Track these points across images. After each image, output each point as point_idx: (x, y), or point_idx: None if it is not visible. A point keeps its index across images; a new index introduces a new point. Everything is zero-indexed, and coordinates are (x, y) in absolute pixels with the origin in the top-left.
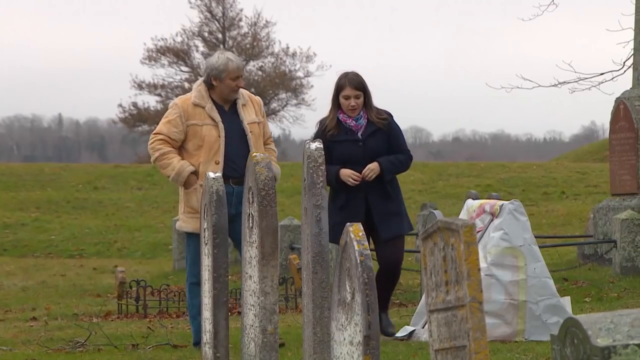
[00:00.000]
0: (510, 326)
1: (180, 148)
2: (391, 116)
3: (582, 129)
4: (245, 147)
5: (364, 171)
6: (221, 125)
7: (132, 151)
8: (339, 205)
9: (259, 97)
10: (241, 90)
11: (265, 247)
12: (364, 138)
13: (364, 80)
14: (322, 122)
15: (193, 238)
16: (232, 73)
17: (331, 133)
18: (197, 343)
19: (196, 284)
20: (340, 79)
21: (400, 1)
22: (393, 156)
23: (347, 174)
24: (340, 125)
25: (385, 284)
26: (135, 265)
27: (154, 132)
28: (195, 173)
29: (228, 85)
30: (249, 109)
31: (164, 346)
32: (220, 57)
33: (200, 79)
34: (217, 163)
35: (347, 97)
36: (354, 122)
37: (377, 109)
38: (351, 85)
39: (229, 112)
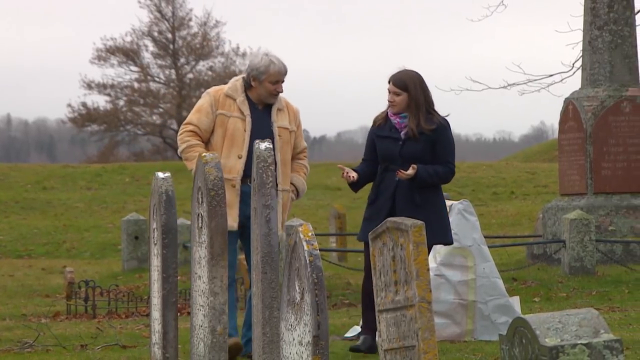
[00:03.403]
0: (459, 326)
1: (207, 142)
2: (445, 127)
3: (531, 129)
4: (272, 151)
5: (400, 170)
6: (249, 119)
7: (82, 151)
8: (370, 199)
9: (297, 107)
10: (280, 95)
11: (215, 247)
12: (405, 138)
13: (411, 81)
14: (375, 117)
15: None
16: (273, 76)
17: (378, 125)
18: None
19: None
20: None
21: (350, 3)
22: (432, 167)
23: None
24: (387, 121)
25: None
26: (84, 266)
27: (184, 122)
28: None
29: (266, 89)
30: (283, 115)
31: (113, 346)
32: (264, 58)
33: (240, 75)
34: (239, 157)
35: (389, 92)
36: (398, 119)
37: (432, 115)
38: (392, 82)
39: (261, 112)
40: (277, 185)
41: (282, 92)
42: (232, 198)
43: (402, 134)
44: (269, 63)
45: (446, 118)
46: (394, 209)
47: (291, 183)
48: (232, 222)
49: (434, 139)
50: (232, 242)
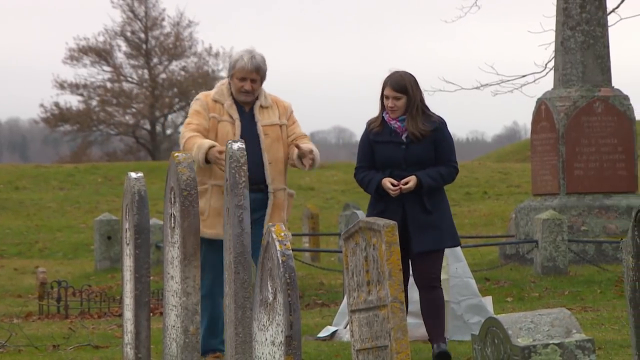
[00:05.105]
0: None
1: None
2: (443, 124)
3: (504, 129)
4: (259, 153)
5: (401, 182)
6: (238, 123)
7: (54, 151)
8: (379, 210)
9: (289, 103)
10: (267, 93)
11: (187, 247)
12: (408, 141)
13: (409, 83)
14: (368, 122)
15: (204, 243)
16: (238, 72)
17: (375, 131)
18: (205, 352)
19: (204, 297)
20: (385, 77)
21: (322, 2)
22: (435, 170)
23: (387, 186)
24: (385, 126)
25: (428, 310)
26: (57, 266)
27: (185, 123)
28: (214, 149)
29: (235, 85)
30: (270, 112)
31: (85, 347)
32: (238, 53)
33: (226, 78)
34: None
35: (387, 97)
36: (398, 123)
37: (427, 115)
38: (391, 86)
39: (249, 114)
40: (267, 187)
41: (250, 90)
42: None
43: (404, 137)
44: (238, 58)
45: (441, 116)
46: (405, 217)
47: (299, 148)
48: None
49: (434, 139)
50: (221, 253)
